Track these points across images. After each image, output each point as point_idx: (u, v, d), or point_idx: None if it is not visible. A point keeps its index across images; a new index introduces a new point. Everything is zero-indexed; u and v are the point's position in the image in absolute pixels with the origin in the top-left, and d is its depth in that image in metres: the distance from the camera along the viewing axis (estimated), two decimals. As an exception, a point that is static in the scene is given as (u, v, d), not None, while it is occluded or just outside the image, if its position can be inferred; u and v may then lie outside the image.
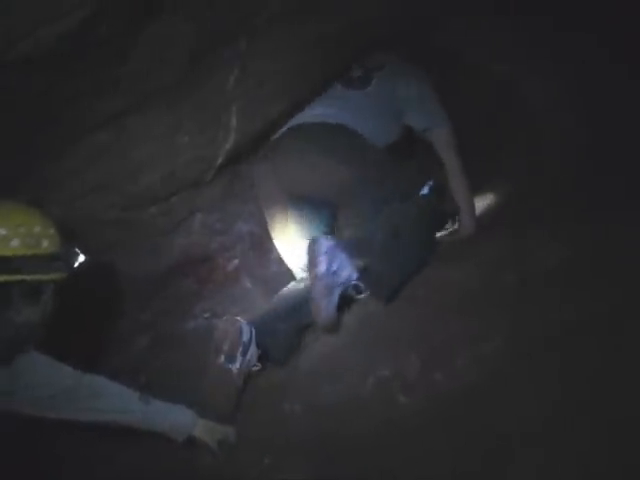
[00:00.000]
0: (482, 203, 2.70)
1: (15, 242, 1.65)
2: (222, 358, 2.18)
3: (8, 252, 1.64)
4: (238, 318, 2.26)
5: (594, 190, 2.23)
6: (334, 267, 2.16)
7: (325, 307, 2.16)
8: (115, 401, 1.95)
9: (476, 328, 1.93)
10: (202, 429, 2.01)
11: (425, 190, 2.35)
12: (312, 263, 2.16)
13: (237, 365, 2.17)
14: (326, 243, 2.18)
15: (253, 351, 2.24)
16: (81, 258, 1.85)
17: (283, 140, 2.53)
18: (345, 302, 2.28)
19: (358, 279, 2.25)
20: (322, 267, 2.14)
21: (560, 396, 1.52)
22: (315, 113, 2.52)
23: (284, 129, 2.56)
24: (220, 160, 2.55)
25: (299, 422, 2.02)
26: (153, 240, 2.70)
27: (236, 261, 2.96)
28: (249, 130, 2.51)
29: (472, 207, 2.56)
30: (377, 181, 2.35)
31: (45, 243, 1.70)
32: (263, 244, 2.95)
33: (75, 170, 2.23)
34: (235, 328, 2.21)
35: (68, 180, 2.26)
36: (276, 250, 2.74)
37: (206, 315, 2.88)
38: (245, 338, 2.21)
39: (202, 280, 2.93)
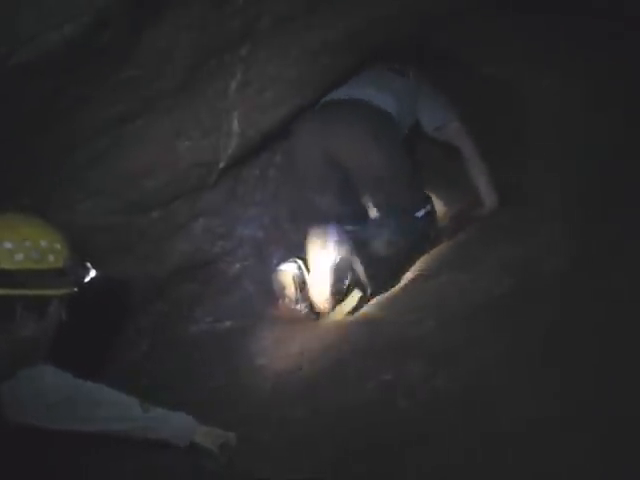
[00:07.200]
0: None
1: (20, 256, 1.61)
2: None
3: (12, 266, 1.60)
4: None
5: (598, 194, 2.23)
6: (338, 258, 2.44)
7: (321, 292, 2.45)
8: (115, 409, 1.92)
9: (477, 333, 1.94)
10: (203, 434, 2.00)
11: (421, 213, 2.61)
12: (321, 247, 2.45)
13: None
14: (336, 231, 2.45)
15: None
16: (92, 273, 1.79)
17: (339, 106, 2.69)
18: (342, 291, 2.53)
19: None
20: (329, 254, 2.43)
21: (561, 400, 1.53)
22: (368, 92, 2.70)
23: (341, 96, 2.71)
24: (222, 165, 2.55)
25: (301, 426, 2.02)
26: (155, 244, 2.70)
27: (238, 265, 2.96)
28: (251, 135, 2.52)
29: (492, 187, 2.79)
30: (401, 187, 2.62)
31: (51, 258, 1.66)
32: (265, 248, 2.96)
33: (76, 175, 2.23)
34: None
35: (69, 185, 2.26)
36: (277, 254, 2.77)
37: (208, 319, 2.88)
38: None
39: (204, 284, 2.93)
